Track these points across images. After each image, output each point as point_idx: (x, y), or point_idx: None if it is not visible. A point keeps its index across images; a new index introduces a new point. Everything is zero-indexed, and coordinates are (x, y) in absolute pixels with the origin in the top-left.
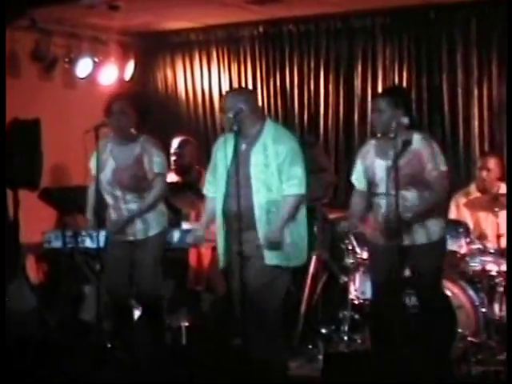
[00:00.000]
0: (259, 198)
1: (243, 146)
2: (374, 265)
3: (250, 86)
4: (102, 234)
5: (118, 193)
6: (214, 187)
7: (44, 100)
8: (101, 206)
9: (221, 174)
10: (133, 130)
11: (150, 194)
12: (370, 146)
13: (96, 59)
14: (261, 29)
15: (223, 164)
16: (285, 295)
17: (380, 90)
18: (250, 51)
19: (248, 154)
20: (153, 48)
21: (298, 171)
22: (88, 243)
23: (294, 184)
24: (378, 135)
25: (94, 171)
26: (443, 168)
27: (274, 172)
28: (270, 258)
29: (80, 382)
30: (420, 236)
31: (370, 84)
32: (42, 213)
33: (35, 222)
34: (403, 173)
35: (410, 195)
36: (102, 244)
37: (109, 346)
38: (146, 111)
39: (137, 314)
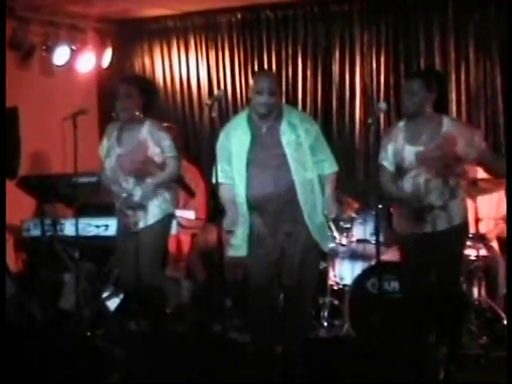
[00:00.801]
0: (299, 177)
1: (264, 130)
2: (404, 257)
3: (228, 73)
4: (82, 222)
5: (122, 179)
6: (231, 174)
7: (22, 88)
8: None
9: (239, 161)
10: (138, 114)
11: (165, 172)
12: (399, 129)
13: (73, 47)
14: (238, 15)
15: (241, 149)
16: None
17: (358, 75)
18: (228, 38)
19: (276, 135)
20: (130, 35)
21: (329, 150)
22: (67, 231)
23: (332, 162)
24: (382, 110)
25: (103, 158)
26: (483, 144)
27: (307, 150)
28: (323, 238)
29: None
30: (442, 222)
31: (347, 69)
32: (20, 201)
33: (14, 210)
34: (433, 156)
35: (436, 180)
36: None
37: (88, 334)
38: (151, 94)
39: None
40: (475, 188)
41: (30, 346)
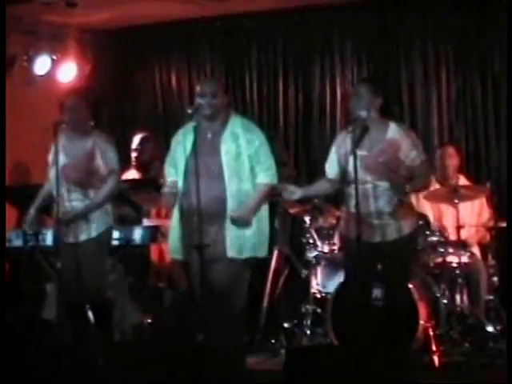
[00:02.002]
0: (232, 187)
1: (209, 136)
2: (345, 258)
3: None
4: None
5: (63, 189)
6: (174, 180)
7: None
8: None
9: (180, 167)
10: (86, 125)
11: (102, 190)
12: (345, 135)
13: (54, 56)
14: (218, 24)
15: (182, 156)
16: (247, 289)
17: (338, 83)
18: (209, 47)
19: (217, 143)
20: (111, 45)
21: (272, 162)
22: (49, 241)
23: (269, 174)
24: (352, 121)
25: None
26: (424, 156)
27: (245, 161)
28: (237, 250)
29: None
30: (391, 231)
31: (328, 78)
32: None
33: None
34: (376, 161)
35: (383, 185)
36: (51, 243)
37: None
38: (100, 106)
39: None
40: (457, 195)
41: (11, 357)
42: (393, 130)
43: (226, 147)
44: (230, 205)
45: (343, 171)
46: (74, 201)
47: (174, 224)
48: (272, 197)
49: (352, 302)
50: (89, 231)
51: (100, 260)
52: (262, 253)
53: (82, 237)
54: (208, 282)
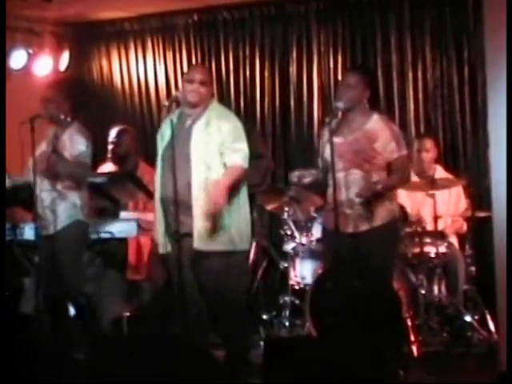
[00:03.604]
0: (198, 175)
1: (188, 123)
2: (324, 250)
3: None
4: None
5: (38, 180)
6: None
7: None
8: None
9: (158, 157)
10: (63, 117)
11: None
12: (330, 124)
13: (30, 50)
14: (195, 17)
15: (161, 146)
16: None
17: (315, 74)
18: (185, 39)
19: (190, 131)
20: (87, 38)
21: (243, 146)
22: (27, 235)
23: (238, 156)
24: (340, 109)
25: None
26: (404, 151)
27: (215, 149)
28: (204, 241)
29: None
30: (363, 221)
31: (305, 69)
32: None
33: None
34: (349, 149)
35: (354, 174)
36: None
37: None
38: (78, 98)
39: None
40: (434, 185)
41: None
42: (374, 121)
43: (196, 135)
44: (196, 192)
45: (324, 160)
46: (42, 192)
47: (157, 216)
48: (249, 188)
49: (331, 292)
50: (55, 223)
51: (71, 253)
52: (241, 246)
53: (50, 230)
54: (195, 276)
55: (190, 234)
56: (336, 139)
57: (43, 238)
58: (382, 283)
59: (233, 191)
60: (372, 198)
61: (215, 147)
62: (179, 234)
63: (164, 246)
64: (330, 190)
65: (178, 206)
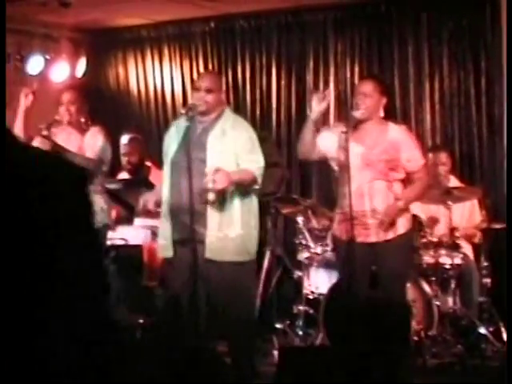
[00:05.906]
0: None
1: (198, 131)
2: (338, 260)
3: None
4: None
5: None
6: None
7: None
8: None
9: (166, 162)
10: (84, 120)
11: None
12: (346, 133)
13: (47, 56)
14: (212, 24)
15: (169, 151)
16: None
17: (332, 84)
18: (202, 47)
19: (204, 139)
20: (104, 45)
21: (258, 158)
22: None
23: (252, 166)
24: (357, 118)
25: None
26: (424, 161)
27: (231, 159)
28: (217, 252)
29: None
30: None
31: (321, 78)
32: None
33: None
34: (377, 160)
35: (380, 183)
36: None
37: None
38: (95, 104)
39: None
40: (450, 197)
41: None
42: (394, 131)
43: (212, 143)
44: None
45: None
46: None
47: (163, 221)
48: (263, 197)
49: (345, 303)
50: None
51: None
52: (246, 257)
53: None
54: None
55: (200, 241)
56: (356, 148)
57: None
58: (399, 293)
59: (242, 197)
60: (396, 216)
61: (231, 157)
62: (190, 241)
63: (167, 249)
64: (345, 201)
65: (193, 214)
